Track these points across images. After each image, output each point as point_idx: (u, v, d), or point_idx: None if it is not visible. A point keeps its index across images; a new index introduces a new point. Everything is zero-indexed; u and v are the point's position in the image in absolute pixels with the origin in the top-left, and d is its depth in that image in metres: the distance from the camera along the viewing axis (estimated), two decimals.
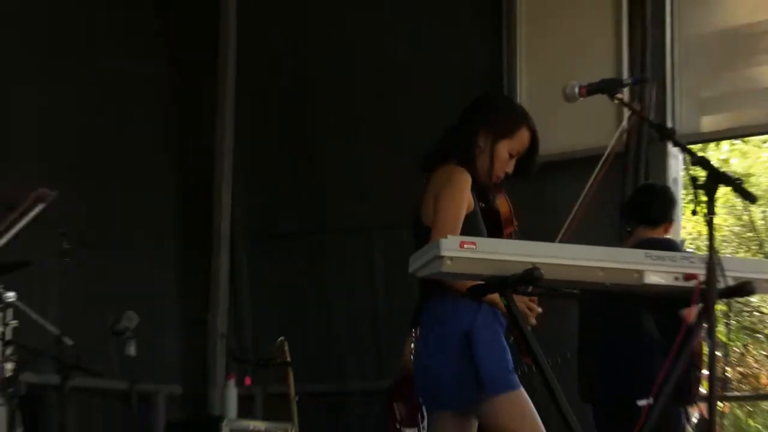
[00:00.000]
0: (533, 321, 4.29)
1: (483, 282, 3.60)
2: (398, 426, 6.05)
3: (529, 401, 4.26)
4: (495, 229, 4.48)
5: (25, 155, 8.13)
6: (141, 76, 9.36)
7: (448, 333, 4.24)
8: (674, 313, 4.95)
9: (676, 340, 5.33)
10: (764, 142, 18.95)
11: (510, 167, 4.31)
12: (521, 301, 4.11)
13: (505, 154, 4.29)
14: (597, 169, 5.52)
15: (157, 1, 9.74)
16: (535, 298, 4.23)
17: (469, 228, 4.15)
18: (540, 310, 4.34)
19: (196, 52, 9.66)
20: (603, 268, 3.44)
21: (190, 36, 9.60)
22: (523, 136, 4.24)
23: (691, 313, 3.70)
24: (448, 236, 3.53)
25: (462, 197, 4.19)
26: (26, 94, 8.56)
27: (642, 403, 4.68)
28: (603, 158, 5.69)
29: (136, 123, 9.32)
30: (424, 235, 4.12)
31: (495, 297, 3.86)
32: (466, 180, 4.22)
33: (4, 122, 8.31)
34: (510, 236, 4.49)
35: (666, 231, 5.96)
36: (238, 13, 9.34)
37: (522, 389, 4.27)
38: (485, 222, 4.39)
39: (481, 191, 4.41)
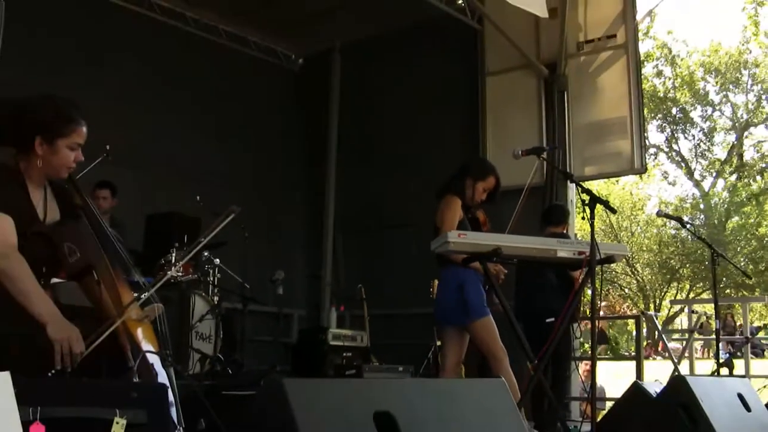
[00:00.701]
0: (502, 277, 5.75)
1: (470, 255, 5.06)
2: None
3: (494, 324, 5.59)
4: (477, 229, 5.95)
5: (219, 185, 9.81)
6: (291, 138, 12.09)
7: (449, 282, 5.71)
8: (566, 272, 7.07)
9: (567, 289, 6.80)
10: (616, 181, 24.95)
11: (484, 196, 5.93)
12: (493, 267, 5.42)
13: (481, 189, 5.89)
14: (522, 195, 6.92)
15: (295, 102, 12.34)
16: (499, 265, 5.61)
17: (460, 228, 5.57)
18: (506, 271, 5.83)
19: (316, 124, 12.17)
20: (535, 248, 5.10)
21: (313, 112, 12.23)
22: (491, 180, 5.93)
23: (581, 273, 5.45)
24: (450, 231, 5.07)
25: (455, 211, 5.70)
26: (220, 149, 10.84)
27: (549, 321, 6.55)
28: (525, 188, 7.10)
29: (287, 162, 11.91)
30: (436, 231, 5.57)
31: (476, 264, 5.23)
32: (456, 203, 5.74)
33: (207, 163, 10.48)
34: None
35: (564, 229, 7.75)
36: (341, 99, 11.93)
37: (491, 316, 5.61)
38: (470, 225, 5.87)
39: (467, 209, 5.93)
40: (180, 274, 7.25)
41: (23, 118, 3.30)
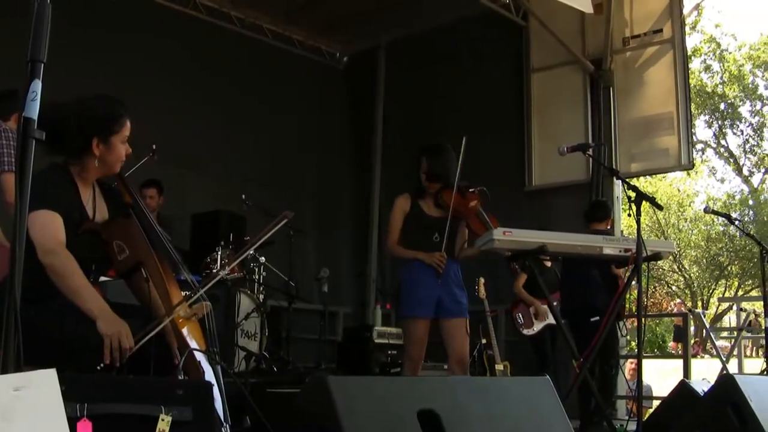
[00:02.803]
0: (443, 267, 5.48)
1: (515, 253, 4.93)
2: (518, 327, 7.84)
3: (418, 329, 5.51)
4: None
5: (264, 184, 10.09)
6: (336, 137, 12.15)
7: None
8: (610, 270, 6.99)
9: (612, 286, 6.89)
10: (663, 177, 24.66)
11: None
12: (429, 257, 5.44)
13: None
14: None
15: (341, 101, 12.35)
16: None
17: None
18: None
19: (362, 123, 12.25)
20: (581, 245, 4.99)
21: (359, 110, 12.33)
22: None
23: (626, 270, 5.86)
24: (497, 228, 4.95)
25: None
26: (266, 148, 10.85)
27: (594, 319, 6.55)
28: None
29: (333, 161, 11.95)
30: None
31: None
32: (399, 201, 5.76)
33: (252, 162, 10.55)
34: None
35: (608, 225, 7.62)
36: (386, 97, 11.99)
37: (416, 320, 5.50)
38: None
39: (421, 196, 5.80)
40: (226, 272, 7.27)
41: (80, 121, 3.34)
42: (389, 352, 8.60)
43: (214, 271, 7.21)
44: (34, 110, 1.98)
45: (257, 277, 8.23)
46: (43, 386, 1.84)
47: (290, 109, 11.08)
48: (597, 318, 6.49)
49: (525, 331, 7.87)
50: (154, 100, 9.03)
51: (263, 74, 10.86)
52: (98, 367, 3.01)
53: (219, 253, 7.54)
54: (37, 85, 1.97)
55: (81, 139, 3.35)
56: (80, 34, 8.53)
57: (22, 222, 2.01)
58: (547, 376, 3.30)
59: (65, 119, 3.30)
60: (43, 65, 2.01)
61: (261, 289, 8.26)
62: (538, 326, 8.16)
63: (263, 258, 8.15)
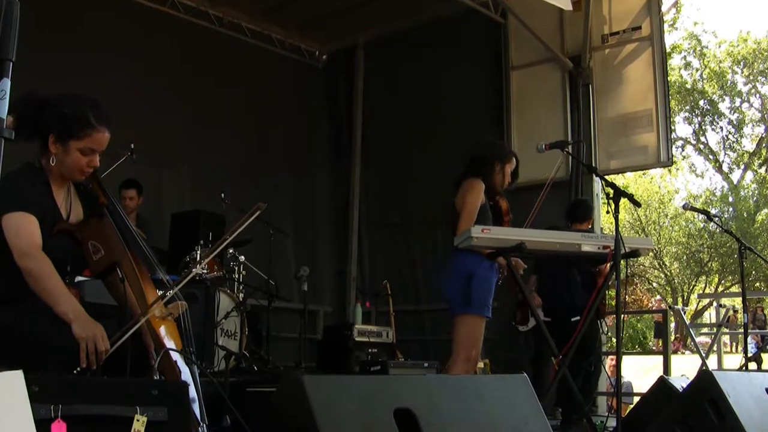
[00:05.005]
0: (521, 272, 5.68)
1: (493, 250, 5.00)
2: (514, 323, 7.64)
3: (482, 330, 5.49)
4: (498, 218, 5.81)
5: (243, 183, 10.06)
6: (315, 135, 12.20)
7: (459, 270, 5.45)
8: (590, 268, 6.97)
9: (591, 284, 6.79)
10: (643, 174, 25.03)
11: (509, 179, 5.75)
12: (515, 260, 5.34)
13: (508, 172, 5.76)
14: (543, 189, 6.83)
15: (320, 99, 12.35)
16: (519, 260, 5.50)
17: (481, 214, 5.45)
18: (524, 265, 5.80)
19: (341, 121, 12.33)
20: (559, 242, 5.04)
21: (337, 108, 12.31)
22: (514, 160, 5.81)
23: (606, 267, 5.73)
24: (472, 220, 5.12)
25: (478, 195, 5.52)
26: (245, 147, 10.93)
27: (575, 319, 6.49)
28: (547, 183, 7.05)
29: (312, 159, 12.05)
30: (456, 215, 5.47)
31: (502, 259, 5.21)
32: (480, 186, 5.55)
33: (231, 161, 10.54)
34: (507, 224, 5.87)
35: (589, 224, 7.71)
36: (365, 95, 11.92)
37: (485, 320, 5.46)
38: (492, 213, 5.65)
39: (492, 195, 5.72)
40: (205, 271, 7.25)
41: (43, 113, 3.31)
42: (369, 350, 8.56)
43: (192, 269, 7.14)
44: (3, 109, 1.95)
45: (237, 276, 8.20)
46: (8, 388, 1.81)
47: (269, 107, 11.17)
48: (578, 318, 6.43)
49: (521, 328, 7.83)
50: (131, 99, 9.01)
51: (242, 73, 10.90)
52: (75, 371, 3.00)
53: (198, 252, 7.49)
54: (6, 84, 1.95)
55: (34, 128, 3.33)
56: (57, 32, 8.54)
57: None
58: (524, 374, 3.29)
59: (31, 103, 3.31)
60: (12, 64, 1.98)
61: (241, 287, 8.23)
62: (532, 322, 8.10)
63: (243, 257, 8.15)
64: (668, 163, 9.77)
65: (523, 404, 3.15)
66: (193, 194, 9.80)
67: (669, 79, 10.15)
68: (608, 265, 5.23)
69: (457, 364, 5.42)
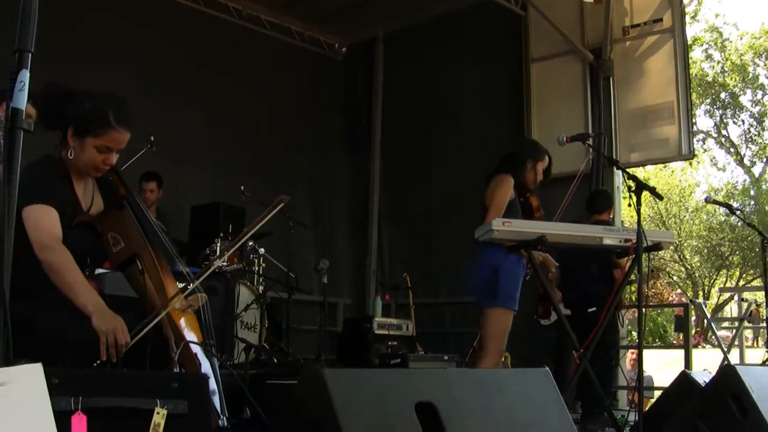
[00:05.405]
0: (553, 270, 5.82)
1: (514, 243, 4.94)
2: (536, 317, 7.63)
3: (510, 323, 5.45)
4: (529, 214, 5.82)
5: (263, 175, 10.04)
6: (333, 127, 12.20)
7: (487, 263, 5.46)
8: (610, 261, 7.02)
9: (608, 277, 6.98)
10: (664, 167, 25.06)
11: (541, 176, 5.82)
12: (539, 255, 5.32)
13: (540, 170, 5.82)
14: (574, 182, 7.68)
15: (339, 92, 12.39)
16: (549, 258, 5.62)
17: (510, 210, 5.45)
18: (557, 264, 5.90)
19: (360, 113, 12.39)
20: (581, 236, 4.96)
21: (357, 101, 12.41)
22: (546, 159, 5.85)
23: (627, 260, 5.72)
24: (496, 215, 5.07)
25: (507, 191, 5.52)
26: (265, 140, 10.83)
27: (591, 310, 6.67)
28: (577, 176, 7.90)
29: (332, 152, 12.08)
30: (485, 210, 5.46)
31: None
32: (509, 182, 5.56)
33: (251, 153, 10.52)
34: (539, 218, 5.83)
35: (609, 215, 7.69)
36: (385, 87, 11.99)
37: (513, 314, 5.45)
38: (522, 210, 5.68)
39: (522, 191, 5.78)
40: (225, 264, 7.24)
41: (65, 106, 3.31)
42: (390, 343, 8.55)
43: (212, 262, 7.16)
44: (22, 100, 1.94)
45: (257, 268, 8.22)
46: (28, 381, 1.80)
47: (288, 99, 11.08)
48: (594, 309, 6.54)
49: (543, 322, 7.80)
50: (151, 92, 8.99)
51: (261, 65, 10.84)
52: (95, 364, 3.00)
53: (218, 244, 7.50)
54: (25, 75, 1.94)
55: (55, 119, 3.34)
56: (77, 26, 8.55)
57: (10, 215, 1.96)
58: (546, 368, 3.25)
59: (56, 94, 3.33)
60: (30, 55, 1.97)
61: (260, 280, 8.24)
62: (554, 316, 8.10)
63: (262, 249, 8.16)
64: (689, 155, 9.68)
65: (545, 398, 3.12)
66: (213, 187, 9.76)
67: (690, 71, 9.91)
68: (629, 258, 5.16)
69: (488, 357, 5.45)
